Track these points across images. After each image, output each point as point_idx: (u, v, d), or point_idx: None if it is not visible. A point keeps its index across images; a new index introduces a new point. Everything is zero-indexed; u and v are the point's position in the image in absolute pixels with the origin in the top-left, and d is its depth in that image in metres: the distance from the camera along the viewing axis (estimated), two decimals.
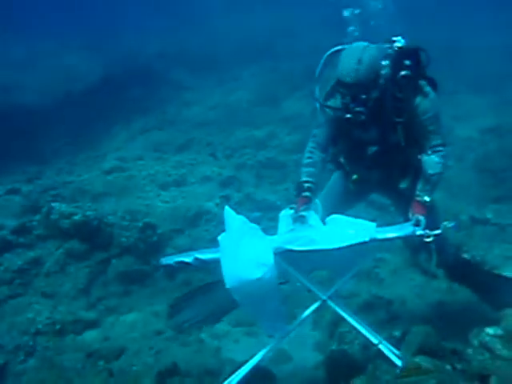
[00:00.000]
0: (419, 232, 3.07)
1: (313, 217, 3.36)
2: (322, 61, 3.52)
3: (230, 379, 3.02)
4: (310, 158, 3.68)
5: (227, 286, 2.89)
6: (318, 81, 3.56)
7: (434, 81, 3.52)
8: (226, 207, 3.17)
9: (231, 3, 19.66)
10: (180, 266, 3.31)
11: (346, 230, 3.09)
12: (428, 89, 3.43)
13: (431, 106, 3.40)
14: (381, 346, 2.98)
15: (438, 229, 3.13)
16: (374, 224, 3.08)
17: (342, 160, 3.84)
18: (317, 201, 3.51)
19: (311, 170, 3.65)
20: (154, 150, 9.52)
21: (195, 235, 6.25)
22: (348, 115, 3.33)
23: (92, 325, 4.92)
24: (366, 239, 2.95)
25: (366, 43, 3.34)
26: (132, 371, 3.95)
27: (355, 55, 3.24)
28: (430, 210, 3.39)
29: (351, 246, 2.96)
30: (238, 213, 3.17)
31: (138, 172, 8.36)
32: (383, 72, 3.32)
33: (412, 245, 5.05)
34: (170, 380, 3.64)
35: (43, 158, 9.54)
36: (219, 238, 3.11)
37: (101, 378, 3.77)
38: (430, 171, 3.42)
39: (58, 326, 4.77)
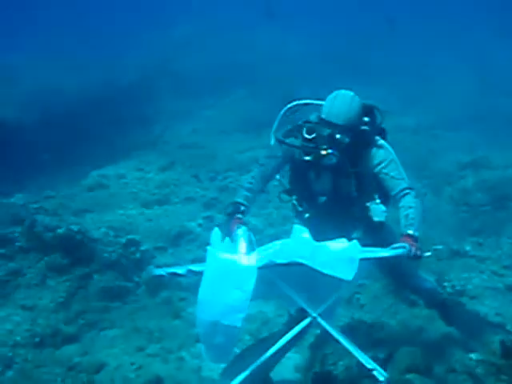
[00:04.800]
0: (413, 252, 3.13)
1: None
2: (285, 108, 3.82)
3: None
4: (250, 183, 3.78)
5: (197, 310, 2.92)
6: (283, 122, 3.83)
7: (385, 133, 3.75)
8: (216, 228, 3.24)
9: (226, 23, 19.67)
10: (171, 277, 3.31)
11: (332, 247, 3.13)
12: (381, 142, 3.63)
13: (386, 154, 3.58)
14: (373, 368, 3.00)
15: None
16: (355, 242, 3.13)
17: (294, 202, 3.92)
18: (244, 227, 3.48)
19: (248, 194, 3.75)
20: (136, 169, 9.49)
21: (178, 254, 6.25)
22: (307, 157, 3.47)
23: (71, 339, 4.85)
24: (356, 256, 3.01)
25: (352, 93, 3.57)
26: None
27: (347, 100, 3.50)
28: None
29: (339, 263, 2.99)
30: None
31: (120, 189, 8.35)
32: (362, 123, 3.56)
33: (391, 272, 5.15)
34: None
35: (24, 172, 9.44)
36: (208, 248, 3.11)
37: None
38: (411, 204, 3.44)
39: (37, 339, 4.69)
